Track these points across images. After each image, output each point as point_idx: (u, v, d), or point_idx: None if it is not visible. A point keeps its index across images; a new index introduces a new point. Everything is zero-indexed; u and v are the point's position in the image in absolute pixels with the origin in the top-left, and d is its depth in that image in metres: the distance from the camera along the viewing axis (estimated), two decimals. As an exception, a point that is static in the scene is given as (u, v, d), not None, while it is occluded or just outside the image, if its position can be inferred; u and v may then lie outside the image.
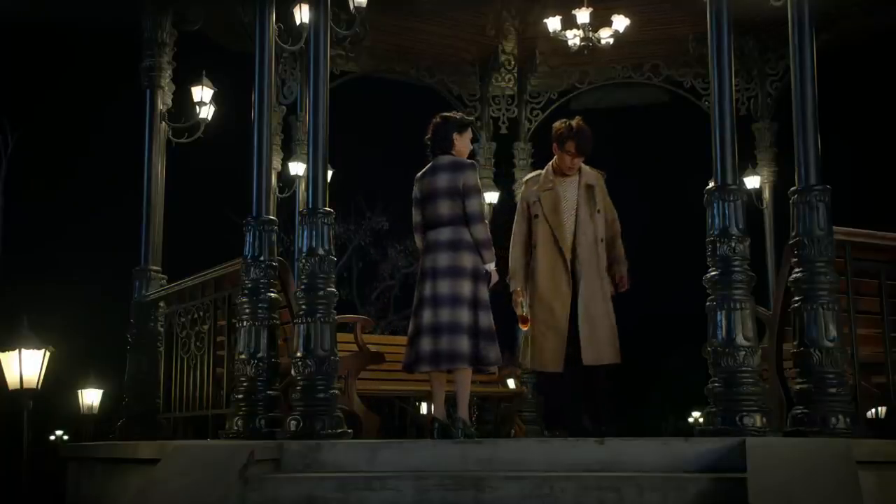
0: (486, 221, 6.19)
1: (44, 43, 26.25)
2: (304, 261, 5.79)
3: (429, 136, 6.30)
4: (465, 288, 5.99)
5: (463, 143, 6.32)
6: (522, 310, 6.51)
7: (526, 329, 6.61)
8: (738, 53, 7.94)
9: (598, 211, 6.65)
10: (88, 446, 7.67)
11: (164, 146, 8.19)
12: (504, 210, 11.16)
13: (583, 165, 6.76)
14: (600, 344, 6.50)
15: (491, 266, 6.13)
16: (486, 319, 6.04)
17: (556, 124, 6.83)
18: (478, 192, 6.13)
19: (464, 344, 5.96)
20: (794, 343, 5.22)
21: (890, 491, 4.58)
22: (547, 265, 6.61)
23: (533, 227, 6.72)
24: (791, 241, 5.32)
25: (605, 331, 6.54)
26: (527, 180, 7.01)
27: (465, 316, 5.98)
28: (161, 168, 8.14)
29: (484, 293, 6.08)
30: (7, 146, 24.04)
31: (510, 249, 6.79)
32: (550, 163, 6.84)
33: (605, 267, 6.64)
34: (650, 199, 31.20)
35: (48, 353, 9.49)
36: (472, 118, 6.72)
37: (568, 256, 6.57)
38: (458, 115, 6.50)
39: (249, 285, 5.96)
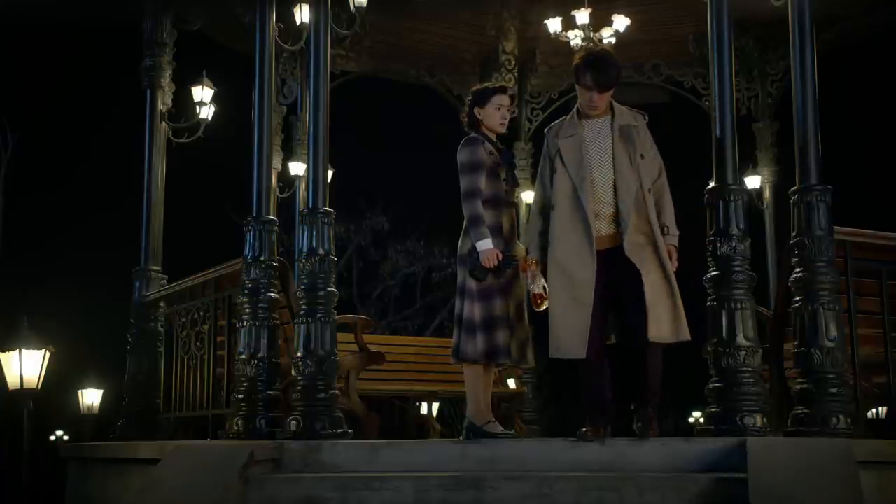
0: (477, 198, 5.51)
1: (44, 43, 26.22)
2: (304, 261, 5.78)
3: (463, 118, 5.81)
4: (460, 275, 5.67)
5: (489, 116, 5.67)
6: (535, 285, 5.34)
7: (542, 308, 5.35)
8: (738, 53, 7.92)
9: (642, 156, 5.39)
10: (88, 446, 7.67)
11: (164, 146, 8.20)
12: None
13: (616, 104, 5.54)
14: (661, 318, 5.23)
15: (483, 244, 5.44)
16: (468, 309, 5.52)
17: (577, 54, 5.67)
18: (470, 170, 5.53)
19: (455, 335, 5.65)
20: (795, 343, 5.21)
21: (890, 491, 4.58)
22: (566, 225, 5.35)
23: (554, 184, 5.47)
24: (791, 241, 5.31)
25: (666, 301, 5.26)
26: (547, 130, 5.65)
27: (456, 305, 5.68)
28: (161, 168, 8.15)
29: (470, 280, 5.53)
30: (7, 146, 24.01)
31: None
32: (576, 105, 5.63)
33: (657, 221, 5.36)
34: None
35: (48, 353, 9.48)
36: (501, 84, 5.90)
37: (592, 215, 5.30)
38: (487, 84, 5.93)
39: (249, 285, 5.96)
